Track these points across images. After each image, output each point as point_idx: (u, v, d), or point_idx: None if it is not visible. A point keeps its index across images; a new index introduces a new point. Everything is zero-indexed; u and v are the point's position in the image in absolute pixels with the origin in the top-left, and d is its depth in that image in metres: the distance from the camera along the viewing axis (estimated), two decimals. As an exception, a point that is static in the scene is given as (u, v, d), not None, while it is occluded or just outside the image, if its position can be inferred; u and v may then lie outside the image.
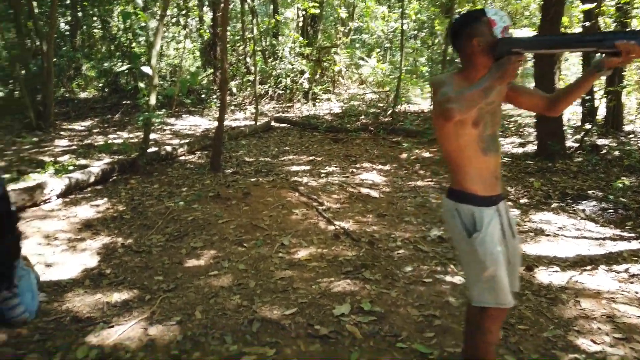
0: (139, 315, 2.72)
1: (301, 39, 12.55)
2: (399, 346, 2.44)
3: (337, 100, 12.31)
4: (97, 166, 5.25)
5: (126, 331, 2.56)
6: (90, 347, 2.42)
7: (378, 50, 15.66)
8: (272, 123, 9.10)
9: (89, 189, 5.06)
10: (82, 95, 12.71)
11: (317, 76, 12.73)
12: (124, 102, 11.16)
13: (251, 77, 12.60)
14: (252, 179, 5.41)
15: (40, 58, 8.77)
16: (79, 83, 13.51)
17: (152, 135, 8.06)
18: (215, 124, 9.60)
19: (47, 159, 6.16)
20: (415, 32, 15.66)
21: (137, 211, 4.43)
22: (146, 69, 5.35)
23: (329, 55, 12.99)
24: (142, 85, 6.65)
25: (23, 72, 9.04)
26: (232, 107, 11.39)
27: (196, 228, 4.00)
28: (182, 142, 6.88)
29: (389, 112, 9.54)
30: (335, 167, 6.10)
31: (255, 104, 9.34)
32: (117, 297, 2.93)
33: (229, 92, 12.82)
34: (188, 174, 5.67)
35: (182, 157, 6.47)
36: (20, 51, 9.37)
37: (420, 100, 11.50)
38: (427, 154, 6.71)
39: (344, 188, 5.12)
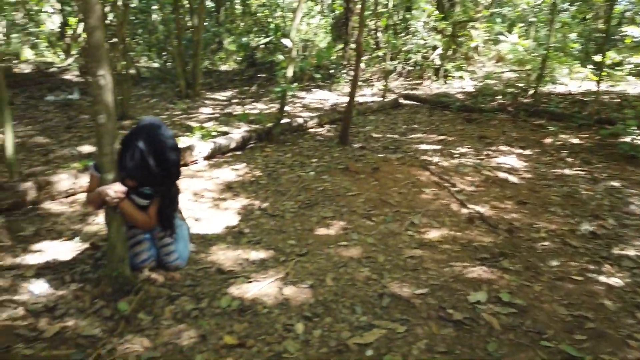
0: (274, 275, 2.85)
1: (436, 12, 11.97)
2: (543, 344, 2.22)
3: (470, 79, 11.60)
4: (237, 133, 5.62)
5: (263, 288, 2.71)
6: (232, 297, 2.60)
7: (520, 25, 14.33)
8: (400, 100, 8.89)
9: (230, 153, 5.44)
10: (223, 67, 13.68)
11: (450, 52, 12.10)
12: (260, 75, 11.79)
13: (380, 53, 12.46)
14: (380, 155, 5.35)
15: (191, 33, 9.60)
16: (221, 56, 14.58)
17: (287, 108, 8.41)
18: (344, 99, 9.76)
19: (194, 124, 6.76)
20: (567, 4, 13.97)
21: (271, 177, 4.65)
22: (286, 42, 5.52)
23: (465, 30, 12.23)
24: (281, 57, 6.88)
25: (176, 45, 9.97)
26: (360, 83, 11.37)
27: (326, 198, 4.07)
28: (312, 115, 7.04)
29: (531, 92, 8.72)
30: (469, 148, 5.76)
31: (385, 80, 9.19)
32: (255, 255, 3.11)
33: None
34: (317, 146, 5.80)
35: (312, 130, 6.63)
36: (176, 26, 10.32)
37: (567, 81, 10.30)
38: (576, 140, 6.00)
39: (479, 171, 4.81)
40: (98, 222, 3.52)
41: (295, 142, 5.95)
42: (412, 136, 6.42)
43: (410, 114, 7.92)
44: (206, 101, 8.93)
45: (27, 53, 10.09)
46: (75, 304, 2.42)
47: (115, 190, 2.39)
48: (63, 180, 3.85)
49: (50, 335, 2.20)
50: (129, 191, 2.49)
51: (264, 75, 11.71)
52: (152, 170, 2.49)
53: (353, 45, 13.01)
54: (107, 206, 2.47)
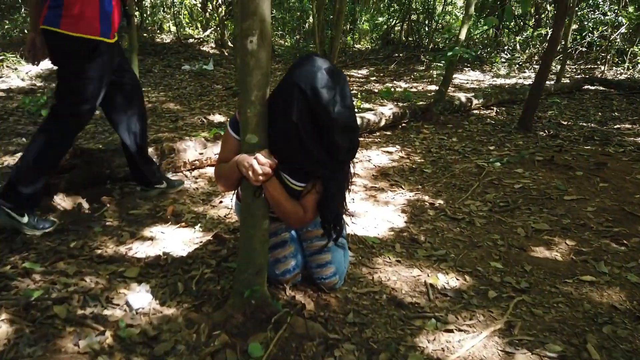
0: (487, 322, 1.73)
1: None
2: None
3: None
4: (388, 109, 4.55)
5: (476, 346, 1.60)
6: (425, 356, 1.54)
7: None
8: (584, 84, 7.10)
9: (378, 133, 4.41)
10: (356, 47, 12.76)
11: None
12: (396, 54, 10.67)
13: (544, 31, 10.51)
14: (587, 147, 3.90)
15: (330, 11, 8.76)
16: (353, 36, 13.69)
17: (433, 87, 7.16)
18: (501, 80, 8.21)
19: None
20: None
21: (438, 166, 3.51)
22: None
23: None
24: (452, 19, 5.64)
25: (315, 22, 9.22)
26: (519, 65, 9.63)
27: (529, 201, 2.83)
28: (474, 94, 5.71)
29: None
30: None
31: (563, 60, 7.41)
32: (444, 280, 2.02)
33: (511, 48, 11.01)
34: (490, 130, 4.51)
35: (476, 111, 5.32)
36: (317, 3, 9.57)
37: None
38: None
39: None
40: (226, 205, 2.71)
41: (459, 124, 4.71)
42: (619, 126, 4.79)
43: (601, 100, 6.16)
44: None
45: (169, 24, 10.12)
46: (187, 336, 1.54)
47: (262, 162, 1.45)
48: (189, 149, 3.12)
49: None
50: (278, 165, 1.53)
51: (402, 54, 10.55)
52: (311, 154, 1.47)
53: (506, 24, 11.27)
54: (246, 185, 1.55)
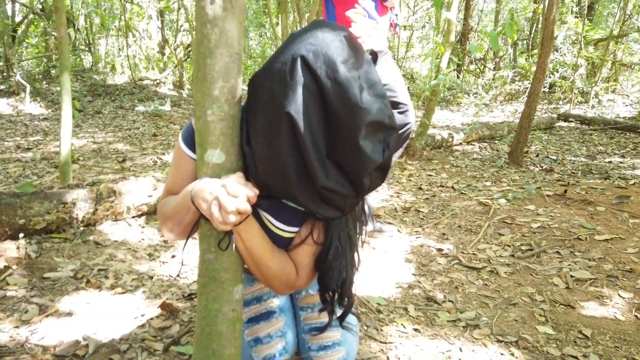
0: None
1: (580, 25, 9.97)
2: None
3: (624, 103, 9.38)
4: (368, 144, 4.08)
5: None
6: None
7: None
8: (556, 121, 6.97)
9: (358, 171, 3.91)
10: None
11: (598, 72, 9.96)
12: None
13: (504, 73, 10.66)
14: (589, 180, 3.53)
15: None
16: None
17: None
18: (471, 118, 8.06)
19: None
20: None
21: (434, 204, 3.02)
22: (448, 14, 3.93)
23: (609, 46, 10.07)
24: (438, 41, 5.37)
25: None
26: (485, 105, 9.59)
27: (555, 243, 2.34)
28: (452, 131, 5.38)
29: None
30: None
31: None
32: (486, 357, 1.46)
33: (473, 93, 11.08)
34: (479, 166, 4.10)
35: (458, 147, 4.95)
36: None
37: None
38: None
39: None
40: (179, 260, 2.08)
41: (445, 160, 4.30)
42: (610, 160, 4.51)
43: (580, 135, 5.96)
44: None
45: (123, 66, 9.56)
46: None
47: (233, 192, 0.85)
48: (135, 190, 2.50)
49: None
50: (258, 199, 0.94)
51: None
52: (314, 175, 0.84)
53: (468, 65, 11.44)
54: (206, 231, 0.96)
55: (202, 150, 0.94)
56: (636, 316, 1.72)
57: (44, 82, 7.68)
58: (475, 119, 7.57)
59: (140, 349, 1.39)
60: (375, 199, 3.16)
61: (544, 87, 10.05)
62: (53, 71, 8.13)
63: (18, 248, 1.98)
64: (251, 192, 0.87)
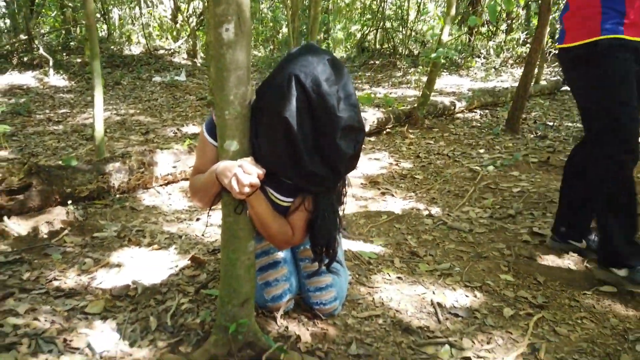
0: (508, 346, 1.52)
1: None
2: None
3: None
4: (372, 114, 4.36)
5: (501, 377, 1.39)
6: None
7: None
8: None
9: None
10: (332, 55, 12.64)
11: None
12: (372, 62, 10.61)
13: (516, 35, 10.61)
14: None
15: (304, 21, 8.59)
16: (328, 44, 13.59)
17: (412, 92, 7.04)
18: (480, 84, 8.17)
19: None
20: None
21: (429, 171, 3.33)
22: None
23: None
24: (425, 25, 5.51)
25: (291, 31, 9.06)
26: (495, 68, 9.65)
27: (530, 205, 2.65)
28: (455, 98, 5.59)
29: None
30: None
31: (540, 63, 7.37)
32: (452, 297, 1.81)
33: (485, 53, 11.07)
34: (477, 133, 4.36)
35: (460, 114, 5.19)
36: (292, 11, 9.42)
37: None
38: None
39: None
40: (204, 222, 2.44)
41: (445, 128, 4.56)
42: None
43: (581, 100, 6.12)
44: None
45: (138, 36, 9.79)
46: (161, 385, 1.28)
47: (248, 170, 1.18)
48: (161, 162, 2.85)
49: None
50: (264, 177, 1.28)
51: (377, 62, 10.47)
52: (303, 163, 1.19)
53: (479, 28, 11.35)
54: (226, 201, 1.31)
55: (222, 141, 1.27)
56: (587, 267, 2.05)
57: (65, 54, 7.97)
58: (482, 85, 7.72)
59: (177, 291, 1.77)
60: (376, 167, 3.47)
61: (554, 50, 10.03)
62: (72, 43, 8.42)
63: (67, 213, 2.37)
64: (260, 171, 1.21)
